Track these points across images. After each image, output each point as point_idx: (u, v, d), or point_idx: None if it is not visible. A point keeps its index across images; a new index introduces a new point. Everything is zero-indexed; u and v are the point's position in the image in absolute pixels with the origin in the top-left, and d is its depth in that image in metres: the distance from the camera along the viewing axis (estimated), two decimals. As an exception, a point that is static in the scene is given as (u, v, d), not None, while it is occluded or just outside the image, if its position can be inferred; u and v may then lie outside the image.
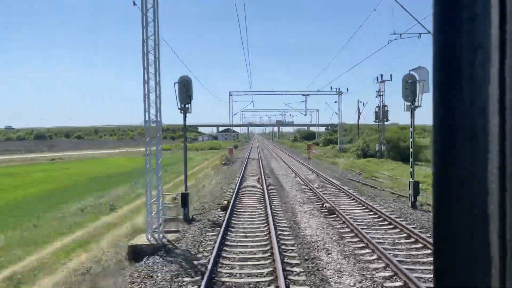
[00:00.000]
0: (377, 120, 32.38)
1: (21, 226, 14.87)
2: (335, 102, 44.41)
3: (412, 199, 13.47)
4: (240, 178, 22.41)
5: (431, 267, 8.62)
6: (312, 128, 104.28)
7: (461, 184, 0.57)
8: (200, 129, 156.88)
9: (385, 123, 33.01)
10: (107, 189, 24.16)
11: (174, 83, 12.73)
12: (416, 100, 13.08)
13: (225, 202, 14.28)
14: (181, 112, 12.92)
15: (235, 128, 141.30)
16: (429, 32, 16.63)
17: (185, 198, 12.62)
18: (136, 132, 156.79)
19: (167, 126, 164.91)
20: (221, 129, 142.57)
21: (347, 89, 45.50)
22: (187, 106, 12.81)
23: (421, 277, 7.10)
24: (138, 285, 7.45)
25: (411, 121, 13.73)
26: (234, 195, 16.00)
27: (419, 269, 7.60)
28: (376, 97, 32.06)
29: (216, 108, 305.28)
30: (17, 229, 14.11)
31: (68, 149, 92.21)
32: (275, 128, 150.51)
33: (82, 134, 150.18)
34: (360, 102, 43.53)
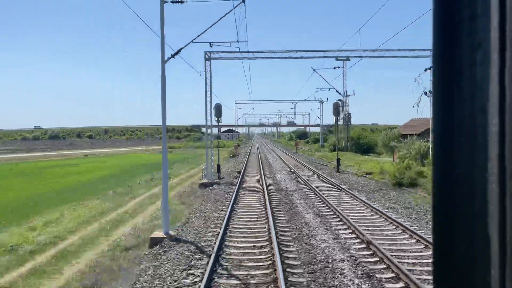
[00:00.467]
0: (345, 124, 44.31)
1: (120, 187, 26.63)
2: (318, 108, 56.38)
3: (336, 168, 25.50)
4: (245, 163, 34.55)
5: (333, 189, 23.82)
6: (309, 129, 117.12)
7: (461, 184, 0.57)
8: (203, 129, 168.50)
9: (351, 124, 44.95)
10: (150, 172, 35.91)
11: (212, 106, 24.53)
12: (339, 116, 24.92)
13: (238, 172, 26.31)
14: (217, 125, 24.72)
15: (236, 129, 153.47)
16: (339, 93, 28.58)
17: (218, 166, 24.73)
18: (143, 132, 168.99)
19: (172, 126, 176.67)
20: (222, 129, 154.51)
21: (327, 98, 57.56)
22: (219, 119, 24.58)
23: (328, 192, 18.84)
24: (209, 194, 19.19)
25: (336, 127, 25.53)
26: (243, 169, 28.12)
27: (327, 191, 19.39)
28: (343, 106, 44.05)
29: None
30: (120, 188, 25.90)
31: (88, 147, 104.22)
32: (274, 129, 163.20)
33: (93, 134, 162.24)
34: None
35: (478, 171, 0.55)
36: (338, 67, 29.61)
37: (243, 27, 65.05)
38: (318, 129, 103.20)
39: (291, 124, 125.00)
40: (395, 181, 17.64)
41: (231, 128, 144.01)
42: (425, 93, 21.58)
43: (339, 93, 33.47)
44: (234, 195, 16.64)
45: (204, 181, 21.83)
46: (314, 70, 30.68)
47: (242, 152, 56.53)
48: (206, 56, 20.54)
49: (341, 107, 28.35)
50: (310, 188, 18.39)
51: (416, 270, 7.62)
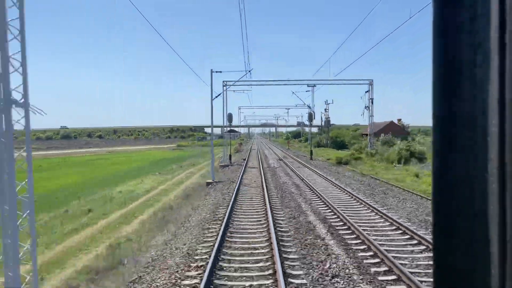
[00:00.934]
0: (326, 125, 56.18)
1: (159, 171, 38.29)
2: (307, 113, 68.30)
3: (310, 157, 37.21)
4: (248, 155, 46.44)
5: (303, 169, 38.55)
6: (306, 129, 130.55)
7: (461, 184, 0.57)
8: (207, 129, 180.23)
9: (331, 125, 56.80)
10: (172, 164, 47.50)
11: (227, 114, 36.15)
12: (312, 121, 36.65)
13: (243, 159, 38.08)
14: (229, 130, 36.43)
15: (239, 129, 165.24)
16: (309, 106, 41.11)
17: (230, 156, 36.59)
18: (150, 132, 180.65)
19: (177, 126, 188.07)
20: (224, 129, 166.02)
21: (314, 105, 69.49)
22: (231, 124, 36.25)
23: (297, 168, 30.52)
24: (227, 170, 30.85)
25: (310, 130, 37.21)
26: (247, 158, 40.11)
27: (297, 167, 31.11)
28: (323, 112, 55.91)
29: (221, 111, 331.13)
30: (160, 172, 37.59)
31: (103, 146, 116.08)
32: (273, 129, 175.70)
33: (102, 134, 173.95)
34: (322, 112, 67.39)
35: (478, 171, 0.55)
36: (309, 90, 40.83)
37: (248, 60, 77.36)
38: (315, 129, 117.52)
39: (282, 125, 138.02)
40: (337, 161, 30.03)
41: (233, 128, 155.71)
42: (366, 107, 33.60)
43: (309, 107, 44.85)
44: (243, 169, 28.67)
45: (222, 164, 33.49)
46: (293, 92, 42.28)
47: (244, 148, 68.52)
48: (224, 84, 32.18)
49: (313, 114, 40.31)
50: (288, 166, 30.18)
51: (317, 181, 19.33)
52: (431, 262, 9.52)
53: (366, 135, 40.47)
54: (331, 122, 56.95)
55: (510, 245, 0.53)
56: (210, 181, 22.32)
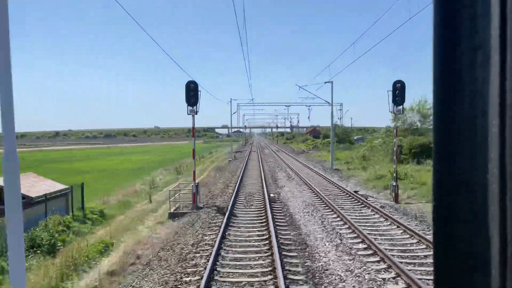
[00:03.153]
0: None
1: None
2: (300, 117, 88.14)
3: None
4: (250, 148, 64.74)
5: (291, 158, 63.02)
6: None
7: (461, 185, 0.56)
8: (217, 130, 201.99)
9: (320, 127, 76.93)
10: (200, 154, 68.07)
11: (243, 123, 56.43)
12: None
13: (248, 151, 58.37)
14: (238, 127, 56.78)
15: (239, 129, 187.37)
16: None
17: (239, 150, 56.67)
18: (172, 132, 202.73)
19: (189, 128, 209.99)
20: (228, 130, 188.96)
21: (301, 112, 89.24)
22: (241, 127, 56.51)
23: (286, 156, 50.64)
24: (239, 154, 51.07)
25: (291, 131, 57.13)
26: (250, 150, 58.50)
27: (287, 156, 51.20)
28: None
29: (222, 113, 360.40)
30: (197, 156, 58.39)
31: (140, 142, 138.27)
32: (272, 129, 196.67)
33: (136, 133, 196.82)
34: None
35: (478, 172, 0.54)
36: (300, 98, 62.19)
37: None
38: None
39: (279, 126, 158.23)
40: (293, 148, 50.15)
41: (239, 129, 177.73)
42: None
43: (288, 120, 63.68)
44: (248, 153, 47.39)
45: (236, 150, 53.65)
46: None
47: (248, 144, 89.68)
48: (237, 104, 52.74)
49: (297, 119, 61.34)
50: (277, 155, 49.74)
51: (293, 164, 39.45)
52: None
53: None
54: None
55: (511, 245, 0.51)
56: (230, 159, 42.40)
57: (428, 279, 6.63)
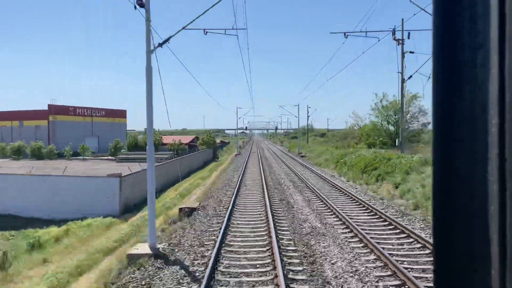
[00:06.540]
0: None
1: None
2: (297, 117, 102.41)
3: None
4: (251, 146, 77.45)
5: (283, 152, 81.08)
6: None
7: (461, 184, 0.53)
8: (227, 131, 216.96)
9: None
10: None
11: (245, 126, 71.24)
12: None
13: (249, 147, 72.34)
14: (241, 132, 71.69)
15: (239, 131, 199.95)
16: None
17: (242, 146, 71.55)
18: (194, 132, 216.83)
19: (205, 130, 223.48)
20: (232, 132, 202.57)
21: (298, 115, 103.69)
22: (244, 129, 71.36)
23: (281, 153, 64.87)
24: (244, 148, 65.22)
25: (279, 129, 72.03)
26: (251, 146, 71.69)
27: (280, 154, 65.27)
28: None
29: (223, 115, 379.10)
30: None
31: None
32: (272, 130, 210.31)
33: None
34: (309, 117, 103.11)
35: (478, 171, 0.51)
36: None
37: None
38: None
39: (278, 128, 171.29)
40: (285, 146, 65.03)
41: (244, 131, 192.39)
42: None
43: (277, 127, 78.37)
44: (250, 148, 60.81)
45: (241, 146, 68.06)
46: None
47: (249, 143, 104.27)
48: (240, 113, 67.56)
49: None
50: (273, 151, 63.85)
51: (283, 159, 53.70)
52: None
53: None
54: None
55: (510, 245, 0.49)
56: (237, 154, 56.86)
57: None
